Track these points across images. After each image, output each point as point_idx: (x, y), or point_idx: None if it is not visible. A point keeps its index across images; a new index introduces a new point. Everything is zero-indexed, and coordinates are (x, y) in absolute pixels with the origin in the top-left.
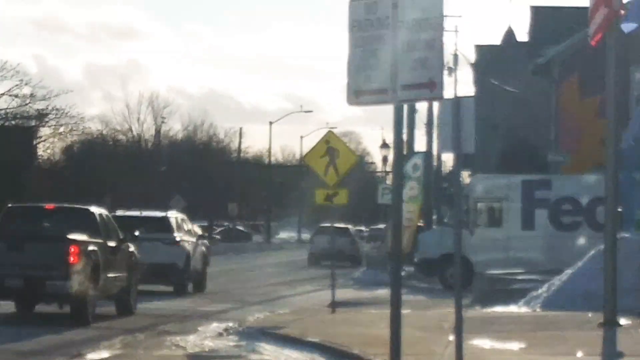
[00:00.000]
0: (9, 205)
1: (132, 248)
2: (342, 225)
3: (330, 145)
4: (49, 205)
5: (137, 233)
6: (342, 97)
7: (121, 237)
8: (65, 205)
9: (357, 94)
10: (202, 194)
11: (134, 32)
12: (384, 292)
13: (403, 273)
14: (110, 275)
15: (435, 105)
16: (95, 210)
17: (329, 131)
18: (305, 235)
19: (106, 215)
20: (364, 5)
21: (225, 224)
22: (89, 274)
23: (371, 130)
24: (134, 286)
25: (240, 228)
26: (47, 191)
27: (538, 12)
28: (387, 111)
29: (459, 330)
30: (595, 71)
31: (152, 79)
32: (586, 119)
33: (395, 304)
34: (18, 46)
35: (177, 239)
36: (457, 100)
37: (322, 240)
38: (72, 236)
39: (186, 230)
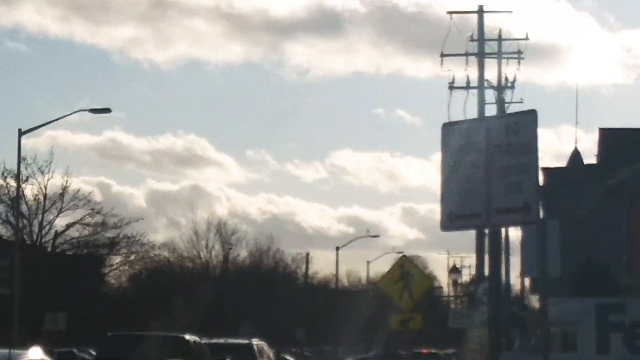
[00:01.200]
0: (109, 334)
1: None
2: (432, 350)
3: (404, 269)
4: (146, 333)
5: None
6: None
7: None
8: (161, 333)
9: (451, 219)
10: (269, 320)
11: (197, 158)
12: None
13: None
14: None
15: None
16: (189, 337)
17: (403, 256)
18: None
19: (199, 342)
20: (457, 130)
21: (293, 350)
22: None
23: (437, 255)
24: None
25: (307, 354)
26: (116, 318)
27: (607, 134)
28: (452, 236)
29: None
30: None
31: (215, 206)
32: None
33: None
34: (83, 175)
35: None
36: (543, 224)
37: None
38: None
39: (267, 356)
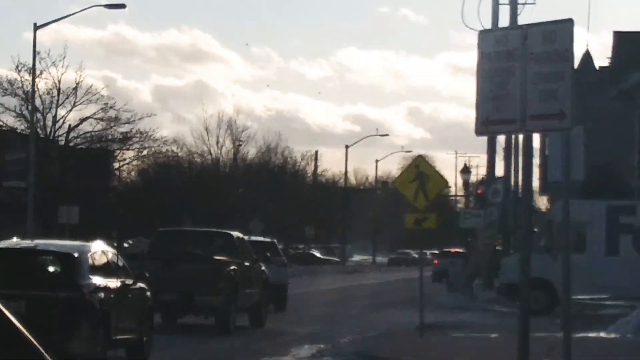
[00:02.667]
0: (160, 229)
1: (263, 267)
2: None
3: (420, 170)
4: (195, 229)
5: (268, 254)
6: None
7: (254, 257)
8: (209, 229)
9: (486, 124)
10: (278, 217)
11: (202, 54)
12: (467, 316)
13: (485, 297)
14: (247, 291)
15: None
16: (234, 234)
17: (419, 156)
18: (380, 259)
19: (242, 238)
20: (493, 37)
21: (301, 246)
22: (230, 290)
23: (445, 154)
24: (265, 301)
25: (315, 253)
26: (126, 212)
27: (620, 38)
28: (459, 136)
29: (567, 355)
30: None
31: (220, 102)
32: None
33: (523, 333)
34: (88, 69)
35: (285, 261)
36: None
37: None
38: (217, 257)
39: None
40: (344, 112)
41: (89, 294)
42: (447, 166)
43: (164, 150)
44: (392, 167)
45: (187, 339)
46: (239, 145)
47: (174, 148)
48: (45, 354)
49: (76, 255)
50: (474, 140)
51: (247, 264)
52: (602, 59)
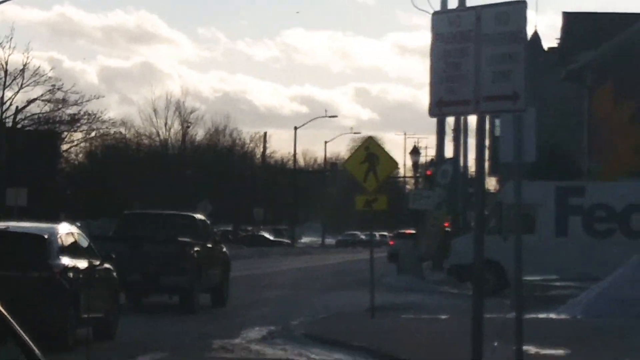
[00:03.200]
0: (125, 212)
1: (224, 249)
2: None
3: (370, 151)
4: (160, 212)
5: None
6: (357, 100)
7: (217, 239)
8: (173, 212)
9: (440, 105)
10: (227, 199)
11: (149, 35)
12: (417, 297)
13: (434, 278)
14: (209, 271)
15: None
16: (197, 216)
17: (369, 137)
18: (329, 240)
19: (204, 221)
20: (447, 18)
21: (249, 228)
22: (194, 270)
23: (394, 135)
24: (227, 281)
25: (265, 234)
26: (73, 195)
27: (569, 18)
28: (406, 117)
29: (519, 336)
30: (631, 76)
31: (167, 84)
32: (620, 124)
33: (478, 316)
34: (34, 50)
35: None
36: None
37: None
38: (182, 238)
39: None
40: (291, 93)
41: (59, 274)
42: (396, 147)
43: (112, 132)
44: (341, 148)
45: (147, 319)
46: (187, 127)
47: (122, 130)
48: (34, 347)
49: (46, 236)
50: (422, 122)
51: (209, 245)
52: (550, 40)
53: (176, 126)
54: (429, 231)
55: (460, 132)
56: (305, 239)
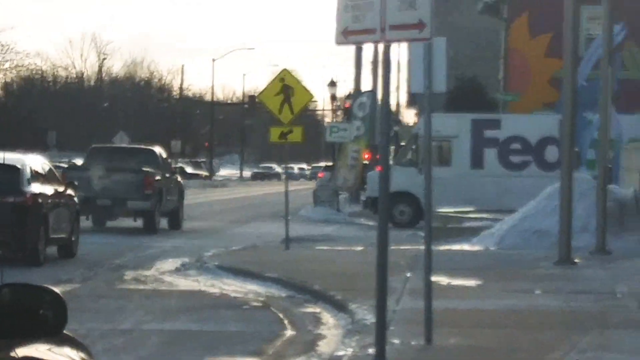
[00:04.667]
0: (93, 145)
1: (179, 178)
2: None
3: (285, 82)
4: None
5: (182, 166)
6: (289, 35)
7: (173, 169)
8: (136, 145)
9: (346, 34)
10: (144, 131)
11: None
12: (333, 229)
13: (350, 210)
14: (168, 198)
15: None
16: (157, 150)
17: (284, 69)
18: (246, 173)
19: (162, 154)
20: None
21: (169, 160)
22: (156, 196)
23: (315, 69)
24: (182, 207)
25: (183, 167)
26: None
27: None
28: (327, 50)
29: (428, 268)
30: (546, 9)
31: (85, 14)
32: (535, 57)
33: (382, 245)
34: None
35: None
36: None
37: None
38: (145, 168)
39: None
40: (215, 24)
41: (31, 199)
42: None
43: (26, 63)
44: (260, 81)
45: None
46: (104, 59)
47: (37, 62)
48: None
49: (19, 166)
50: (340, 55)
51: (167, 175)
52: None
53: (92, 58)
54: (347, 164)
55: (377, 63)
56: (223, 172)
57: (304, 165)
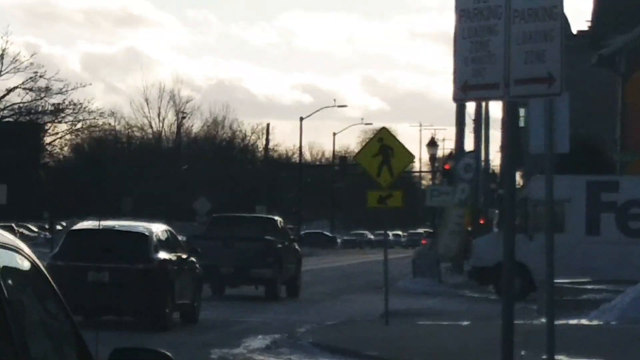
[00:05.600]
0: (214, 215)
1: (296, 246)
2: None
3: (384, 143)
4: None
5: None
6: (364, 89)
7: (291, 237)
8: (256, 215)
9: (465, 89)
10: (226, 196)
11: (134, 18)
12: (435, 302)
13: (453, 281)
14: (288, 265)
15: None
16: (277, 219)
17: (383, 128)
18: (338, 240)
19: (282, 222)
20: None
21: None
22: (277, 263)
23: (409, 126)
24: (299, 273)
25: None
26: (61, 191)
27: (601, 0)
28: (419, 107)
29: (551, 344)
30: None
31: (155, 70)
32: None
33: (508, 321)
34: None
35: None
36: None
37: None
38: (267, 237)
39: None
40: (292, 81)
41: (159, 266)
42: (409, 140)
43: (100, 123)
44: (350, 141)
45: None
46: (183, 117)
47: (111, 121)
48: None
49: (147, 233)
50: (436, 112)
51: (286, 243)
52: (579, 22)
53: (170, 117)
54: (450, 230)
55: (481, 122)
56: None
57: (399, 232)
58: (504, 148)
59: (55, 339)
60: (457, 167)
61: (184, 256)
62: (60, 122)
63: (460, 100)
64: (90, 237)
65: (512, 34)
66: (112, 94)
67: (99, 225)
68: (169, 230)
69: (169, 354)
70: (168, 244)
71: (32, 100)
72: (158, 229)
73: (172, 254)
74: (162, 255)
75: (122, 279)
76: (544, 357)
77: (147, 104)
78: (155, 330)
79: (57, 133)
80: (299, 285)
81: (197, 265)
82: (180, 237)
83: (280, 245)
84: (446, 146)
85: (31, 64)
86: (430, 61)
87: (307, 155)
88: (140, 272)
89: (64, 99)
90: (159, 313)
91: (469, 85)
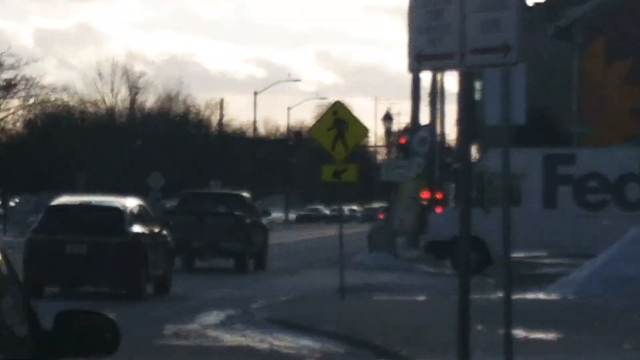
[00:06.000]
0: (184, 191)
1: (263, 221)
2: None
3: (338, 116)
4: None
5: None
6: (319, 64)
7: (258, 213)
8: (225, 191)
9: (420, 59)
10: (181, 171)
11: None
12: (391, 277)
13: (409, 255)
14: (256, 239)
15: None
16: (245, 194)
17: (337, 102)
18: (292, 215)
19: (250, 198)
20: None
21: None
22: (246, 237)
23: (364, 100)
24: (266, 248)
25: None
26: (13, 167)
27: None
28: (374, 81)
29: (508, 319)
30: (625, 33)
31: (108, 45)
32: (613, 86)
33: (464, 296)
34: None
35: None
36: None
37: None
38: (237, 212)
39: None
40: (245, 55)
41: (133, 239)
42: (364, 114)
43: (52, 99)
44: (305, 115)
45: None
46: (136, 93)
47: (64, 96)
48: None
49: (122, 209)
50: (390, 87)
51: (254, 218)
52: None
53: (123, 92)
54: (406, 204)
55: (436, 96)
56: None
57: (355, 207)
58: (459, 120)
59: (5, 308)
60: (412, 140)
61: (157, 230)
62: (12, 97)
63: (415, 71)
64: (69, 212)
65: (467, 3)
66: (65, 70)
67: (80, 200)
68: (143, 206)
69: (112, 317)
70: (142, 218)
71: None
72: (132, 204)
73: (146, 228)
74: (137, 229)
75: (99, 252)
76: (501, 331)
77: (100, 78)
78: (131, 299)
79: (9, 109)
80: (266, 259)
81: (169, 239)
82: None
83: (248, 220)
84: (401, 120)
85: None
86: (384, 35)
87: (262, 130)
88: (116, 245)
89: (16, 75)
90: (134, 284)
91: (424, 55)
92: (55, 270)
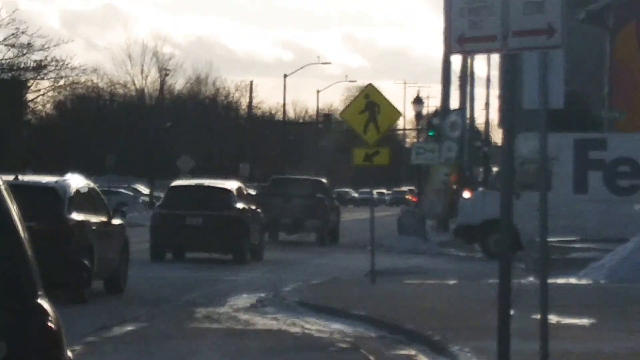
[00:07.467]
0: (273, 176)
1: (337, 203)
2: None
3: (370, 99)
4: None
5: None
6: (345, 47)
7: (333, 196)
8: (308, 177)
9: (461, 42)
10: (209, 153)
11: None
12: (421, 260)
13: (439, 239)
14: (331, 217)
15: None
16: (324, 180)
17: (369, 85)
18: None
19: (327, 183)
20: None
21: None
22: (325, 216)
23: (393, 84)
24: (337, 225)
25: (250, 192)
26: (42, 148)
27: None
28: (400, 64)
29: (543, 305)
30: None
31: (134, 27)
32: None
33: (505, 280)
34: None
35: None
36: (546, 50)
37: None
38: (318, 195)
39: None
40: (272, 37)
41: (239, 213)
42: (392, 98)
43: (82, 80)
44: (334, 98)
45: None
46: (166, 75)
47: (94, 78)
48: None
49: (229, 188)
50: (416, 70)
51: (330, 200)
52: None
53: (153, 74)
54: (435, 188)
55: (466, 79)
56: None
57: (383, 190)
58: (502, 103)
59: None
60: (443, 125)
61: (254, 207)
62: (42, 78)
63: (456, 53)
64: (186, 191)
65: None
66: (92, 51)
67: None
68: (242, 187)
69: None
70: (243, 197)
71: (14, 57)
72: (236, 185)
73: (247, 205)
74: (240, 205)
75: (212, 223)
76: (534, 316)
77: (130, 60)
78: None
79: (39, 90)
80: (339, 235)
81: (262, 216)
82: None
83: (327, 202)
84: (431, 104)
85: (13, 20)
86: (410, 18)
87: (291, 113)
88: (225, 218)
89: (46, 56)
90: (239, 250)
91: (465, 37)
92: (176, 238)
